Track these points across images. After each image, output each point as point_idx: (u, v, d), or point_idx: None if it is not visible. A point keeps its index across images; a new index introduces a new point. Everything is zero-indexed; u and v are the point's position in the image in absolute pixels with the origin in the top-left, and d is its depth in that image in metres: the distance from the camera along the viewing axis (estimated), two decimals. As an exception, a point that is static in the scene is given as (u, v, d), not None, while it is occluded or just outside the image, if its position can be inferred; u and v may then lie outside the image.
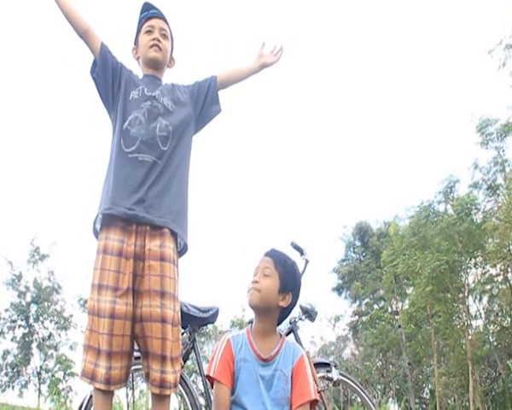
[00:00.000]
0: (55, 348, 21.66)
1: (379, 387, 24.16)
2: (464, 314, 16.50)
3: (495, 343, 16.91)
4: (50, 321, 21.80)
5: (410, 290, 20.42)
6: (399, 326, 21.02)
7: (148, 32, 2.26)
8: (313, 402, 1.89)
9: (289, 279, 1.97)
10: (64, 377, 20.83)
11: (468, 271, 16.53)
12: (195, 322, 2.65)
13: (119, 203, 1.98)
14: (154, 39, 2.23)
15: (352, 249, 27.19)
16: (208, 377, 1.88)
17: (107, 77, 2.17)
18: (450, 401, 20.92)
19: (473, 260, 16.22)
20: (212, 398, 1.92)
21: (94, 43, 2.18)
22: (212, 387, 1.91)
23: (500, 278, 16.46)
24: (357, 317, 25.69)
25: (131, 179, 2.01)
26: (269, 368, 1.89)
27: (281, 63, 2.36)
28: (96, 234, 2.07)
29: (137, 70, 2.32)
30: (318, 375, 2.66)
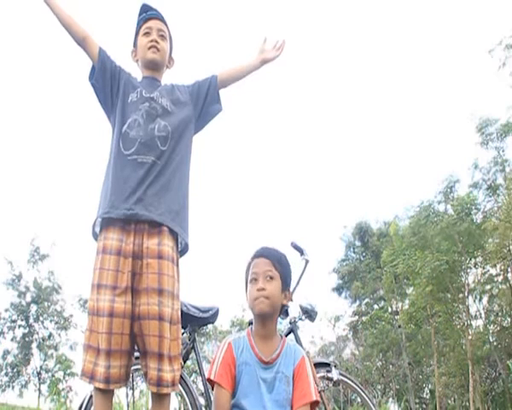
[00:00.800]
0: (55, 348, 21.68)
1: (379, 387, 24.16)
2: (464, 314, 16.50)
3: (495, 343, 16.90)
4: (50, 321, 21.82)
5: (410, 290, 20.42)
6: (399, 326, 21.02)
7: (146, 33, 2.26)
8: (314, 403, 1.89)
9: (288, 276, 1.97)
10: (64, 377, 20.86)
11: (468, 271, 16.54)
12: (195, 322, 2.65)
13: (117, 206, 1.99)
14: (151, 41, 2.23)
15: (351, 249, 27.18)
16: (209, 380, 1.87)
17: (106, 81, 2.18)
18: (450, 401, 20.93)
19: (473, 260, 16.22)
20: (212, 399, 1.92)
21: (92, 49, 2.19)
22: (212, 389, 1.90)
23: (500, 278, 16.47)
24: (357, 317, 25.67)
25: (131, 181, 2.01)
26: (270, 371, 1.89)
27: (281, 60, 2.36)
28: (96, 237, 2.08)
29: (137, 72, 2.32)
30: (318, 375, 2.66)
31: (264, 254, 1.95)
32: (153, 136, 2.07)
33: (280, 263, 1.94)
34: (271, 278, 1.89)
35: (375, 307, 25.48)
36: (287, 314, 2.81)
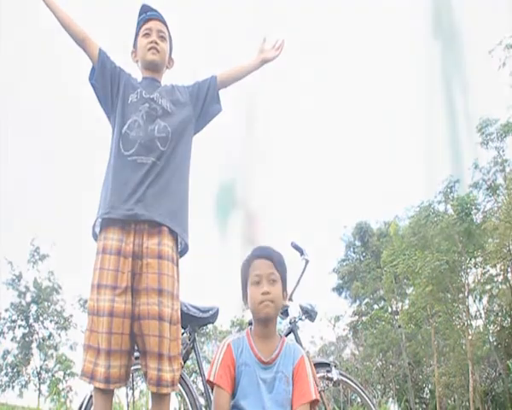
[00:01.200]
0: (55, 348, 21.65)
1: (379, 387, 24.18)
2: (464, 314, 16.51)
3: (495, 343, 16.92)
4: (50, 321, 21.79)
5: (410, 290, 20.45)
6: (399, 326, 21.05)
7: (146, 34, 2.27)
8: (314, 402, 1.89)
9: (286, 275, 1.97)
10: (64, 377, 20.82)
11: (468, 271, 16.55)
12: (195, 322, 2.65)
13: (117, 207, 2.00)
14: (151, 42, 2.24)
15: (351, 249, 27.25)
16: (209, 381, 1.87)
17: (106, 82, 2.20)
18: (450, 401, 20.93)
19: (473, 260, 16.24)
20: (211, 399, 1.92)
21: (92, 50, 2.21)
22: (212, 391, 1.90)
23: (500, 278, 16.48)
24: (357, 317, 25.72)
25: (131, 182, 2.02)
26: (270, 371, 1.88)
27: (281, 60, 2.37)
28: (96, 237, 2.09)
29: (137, 73, 2.32)
30: (318, 375, 2.66)
31: (265, 254, 1.93)
32: (153, 137, 2.08)
33: (280, 264, 1.94)
34: (274, 280, 1.88)
35: (375, 307, 25.53)
36: (287, 314, 2.82)
